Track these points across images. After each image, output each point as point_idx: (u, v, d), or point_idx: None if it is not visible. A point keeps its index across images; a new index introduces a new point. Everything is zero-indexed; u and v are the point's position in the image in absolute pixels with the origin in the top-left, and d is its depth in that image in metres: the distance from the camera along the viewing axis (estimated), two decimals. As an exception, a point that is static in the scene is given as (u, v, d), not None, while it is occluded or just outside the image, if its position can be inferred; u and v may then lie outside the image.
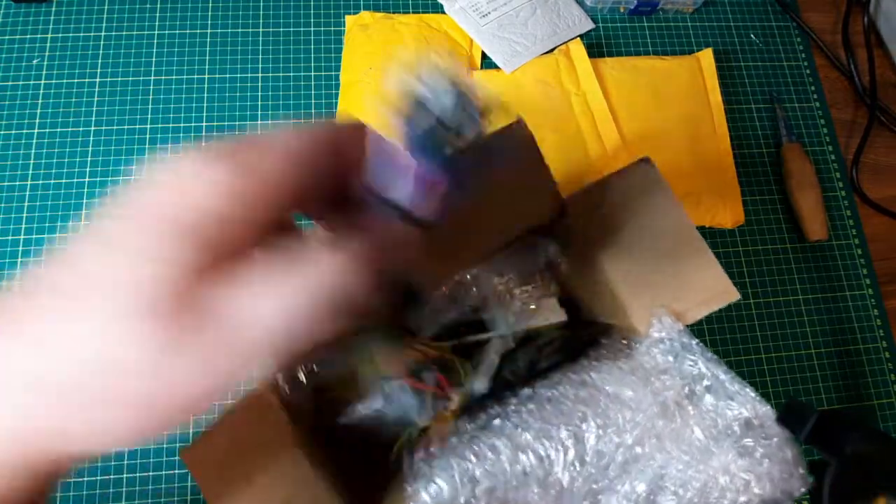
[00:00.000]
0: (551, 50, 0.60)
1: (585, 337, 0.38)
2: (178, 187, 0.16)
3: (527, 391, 0.34)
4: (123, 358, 0.16)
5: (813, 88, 0.63)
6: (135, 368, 0.16)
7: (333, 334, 0.18)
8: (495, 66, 0.59)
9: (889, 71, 0.65)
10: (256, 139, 0.17)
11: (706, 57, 0.60)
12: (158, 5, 0.59)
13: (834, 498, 0.27)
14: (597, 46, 0.62)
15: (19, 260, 0.50)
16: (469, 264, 0.35)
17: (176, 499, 0.46)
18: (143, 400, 0.16)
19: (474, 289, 0.38)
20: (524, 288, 0.39)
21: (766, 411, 0.31)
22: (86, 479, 0.46)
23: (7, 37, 0.57)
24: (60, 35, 0.57)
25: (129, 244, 0.16)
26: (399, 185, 0.19)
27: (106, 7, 0.59)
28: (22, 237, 0.51)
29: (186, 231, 0.16)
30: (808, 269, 0.56)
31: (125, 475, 0.46)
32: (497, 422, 0.33)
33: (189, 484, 0.46)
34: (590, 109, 0.57)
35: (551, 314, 0.39)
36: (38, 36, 0.57)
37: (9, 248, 0.51)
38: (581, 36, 0.61)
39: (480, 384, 0.34)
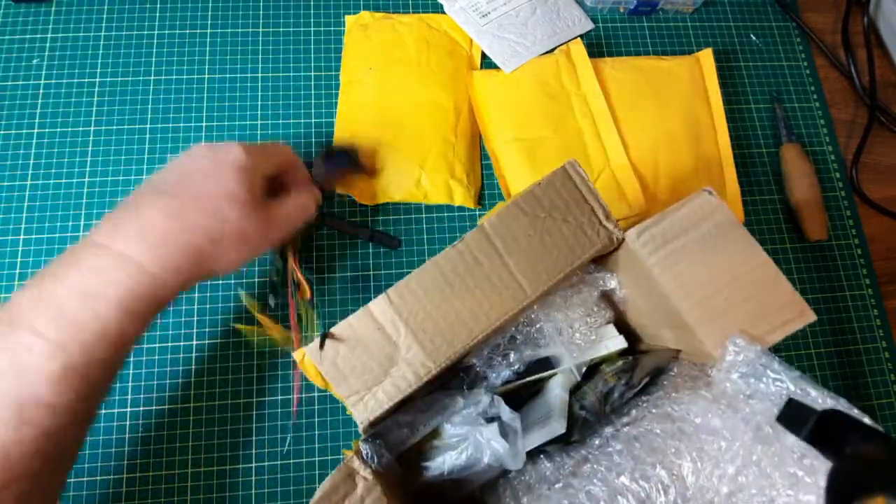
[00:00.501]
0: (551, 50, 0.60)
1: (651, 364, 0.38)
2: (225, 152, 0.37)
3: (609, 430, 0.33)
4: (231, 219, 0.36)
5: (813, 88, 0.63)
6: (237, 224, 0.36)
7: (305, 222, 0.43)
8: (495, 66, 0.59)
9: (889, 71, 0.65)
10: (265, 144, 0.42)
11: (706, 57, 0.60)
12: (158, 5, 0.59)
13: (834, 498, 0.27)
14: (597, 46, 0.62)
15: (19, 260, 0.50)
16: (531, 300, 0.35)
17: (176, 499, 0.46)
18: (240, 237, 0.37)
19: (541, 327, 0.38)
20: (584, 320, 0.39)
21: (868, 422, 0.30)
22: (86, 479, 0.46)
23: (7, 37, 0.57)
24: (60, 35, 0.57)
25: (220, 172, 0.37)
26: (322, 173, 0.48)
27: (106, 7, 0.59)
28: (22, 237, 0.51)
29: (244, 168, 0.37)
30: (808, 269, 0.56)
31: (125, 475, 0.46)
32: (587, 467, 0.32)
33: (189, 484, 0.46)
34: (590, 110, 0.57)
35: (611, 342, 0.40)
36: (38, 36, 0.57)
37: (9, 248, 0.51)
38: (581, 36, 0.61)
39: (558, 424, 0.34)
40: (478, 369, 0.37)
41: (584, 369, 0.39)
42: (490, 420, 0.33)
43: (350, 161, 0.51)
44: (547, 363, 0.39)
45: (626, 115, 0.57)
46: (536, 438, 0.34)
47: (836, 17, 0.66)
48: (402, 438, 0.33)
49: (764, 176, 0.59)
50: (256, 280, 0.51)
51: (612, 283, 0.40)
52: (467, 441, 0.33)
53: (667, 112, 0.57)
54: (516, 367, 0.37)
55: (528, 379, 0.38)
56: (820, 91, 0.63)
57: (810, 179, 0.57)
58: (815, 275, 0.56)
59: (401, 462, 0.34)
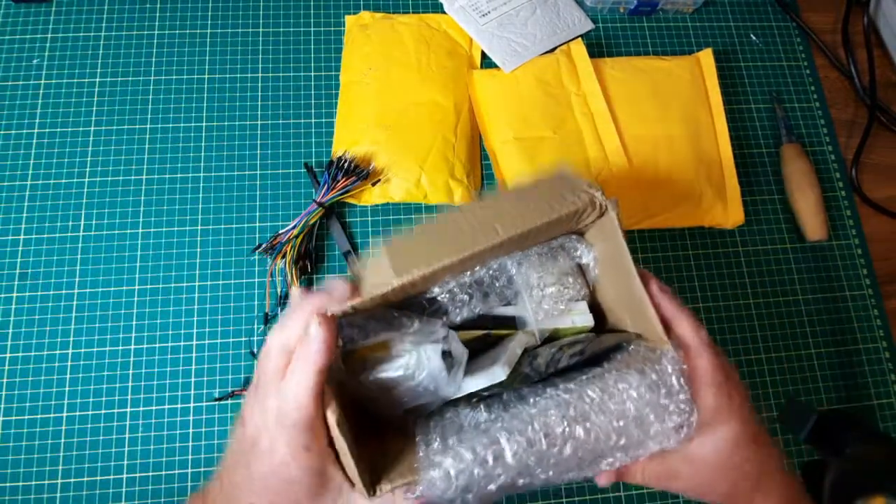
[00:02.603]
0: (551, 50, 0.60)
1: (610, 341, 0.38)
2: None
3: (550, 390, 0.34)
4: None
5: (813, 88, 0.63)
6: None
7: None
8: (495, 66, 0.59)
9: (889, 71, 0.65)
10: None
11: (706, 57, 0.60)
12: (158, 5, 0.59)
13: (834, 497, 0.27)
14: (597, 46, 0.62)
15: (19, 260, 0.50)
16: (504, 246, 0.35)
17: (176, 499, 0.46)
18: None
19: (511, 279, 0.38)
20: (556, 287, 0.39)
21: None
22: (86, 479, 0.46)
23: (7, 37, 0.57)
24: (60, 35, 0.57)
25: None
26: None
27: (106, 7, 0.59)
28: (22, 237, 0.51)
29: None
30: (808, 269, 0.56)
31: (125, 475, 0.46)
32: (516, 423, 0.32)
33: (189, 484, 0.46)
34: (590, 110, 0.57)
35: (579, 317, 0.40)
36: (38, 36, 0.57)
37: (9, 248, 0.51)
38: (581, 36, 0.61)
39: (500, 370, 0.34)
40: (440, 300, 0.37)
41: (546, 335, 0.39)
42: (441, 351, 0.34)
43: (348, 171, 0.51)
44: (511, 322, 0.39)
45: (626, 115, 0.57)
46: (477, 381, 0.35)
47: (836, 17, 0.66)
48: (351, 337, 0.33)
49: (764, 176, 0.59)
50: (257, 288, 0.51)
51: (588, 258, 0.40)
52: (408, 355, 0.33)
53: (667, 112, 0.57)
54: (478, 309, 0.38)
55: (490, 332, 0.39)
56: (820, 91, 0.63)
57: (810, 179, 0.57)
58: (815, 275, 0.56)
59: (345, 364, 0.35)
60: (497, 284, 0.38)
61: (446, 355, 0.34)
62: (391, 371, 0.33)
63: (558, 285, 0.39)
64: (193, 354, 0.49)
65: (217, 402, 0.48)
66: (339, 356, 0.34)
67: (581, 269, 0.42)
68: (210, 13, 0.60)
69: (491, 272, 0.38)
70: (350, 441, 0.31)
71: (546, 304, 0.39)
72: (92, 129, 0.55)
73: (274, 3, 0.60)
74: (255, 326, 0.50)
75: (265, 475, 0.29)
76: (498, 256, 0.38)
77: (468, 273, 0.37)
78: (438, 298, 0.37)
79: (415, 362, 0.33)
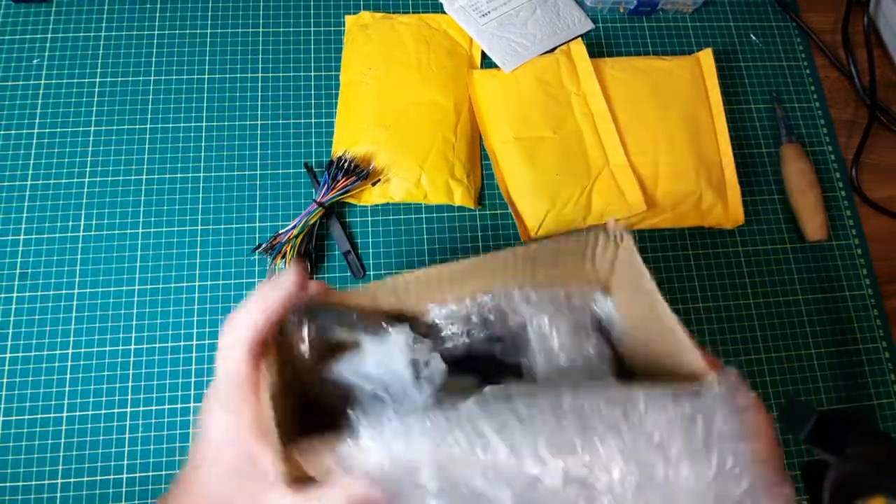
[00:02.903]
0: (552, 50, 0.60)
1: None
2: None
3: (549, 389, 0.26)
4: None
5: (813, 88, 0.63)
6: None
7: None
8: (495, 66, 0.59)
9: (889, 71, 0.65)
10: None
11: (706, 57, 0.60)
12: (158, 5, 0.59)
13: (834, 498, 0.27)
14: (597, 46, 0.62)
15: (19, 260, 0.50)
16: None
17: (176, 499, 0.46)
18: None
19: (521, 325, 0.35)
20: (569, 343, 0.34)
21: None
22: (86, 479, 0.46)
23: (7, 37, 0.57)
24: (60, 35, 0.57)
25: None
26: None
27: (106, 7, 0.59)
28: (22, 237, 0.51)
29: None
30: (808, 269, 0.56)
31: (125, 475, 0.46)
32: (495, 419, 0.25)
33: (189, 484, 0.46)
34: (590, 110, 0.57)
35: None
36: (38, 36, 0.57)
37: (9, 248, 0.51)
38: (581, 36, 0.61)
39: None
40: (437, 322, 0.35)
41: None
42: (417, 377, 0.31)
43: (348, 171, 0.52)
44: (517, 370, 0.35)
45: (626, 115, 0.57)
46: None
47: (836, 17, 0.66)
48: (324, 327, 0.31)
49: (764, 176, 0.59)
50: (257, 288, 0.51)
51: (606, 308, 0.35)
52: (372, 355, 0.31)
53: (667, 112, 0.57)
54: (479, 348, 0.35)
55: (486, 380, 0.35)
56: (820, 91, 0.63)
57: (810, 179, 0.57)
58: (815, 275, 0.56)
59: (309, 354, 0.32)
60: (504, 327, 0.35)
61: (418, 365, 0.31)
62: (350, 369, 0.31)
63: (571, 342, 0.34)
64: (193, 354, 0.49)
65: (217, 402, 0.48)
66: (306, 342, 0.31)
67: (601, 326, 0.36)
68: (210, 13, 0.60)
69: (500, 307, 0.35)
70: (279, 414, 0.26)
71: (559, 359, 0.34)
72: (92, 129, 0.55)
73: (274, 3, 0.60)
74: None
75: (205, 470, 0.27)
76: (503, 284, 0.34)
77: (467, 299, 0.35)
78: (436, 322, 0.36)
79: (378, 360, 0.30)
